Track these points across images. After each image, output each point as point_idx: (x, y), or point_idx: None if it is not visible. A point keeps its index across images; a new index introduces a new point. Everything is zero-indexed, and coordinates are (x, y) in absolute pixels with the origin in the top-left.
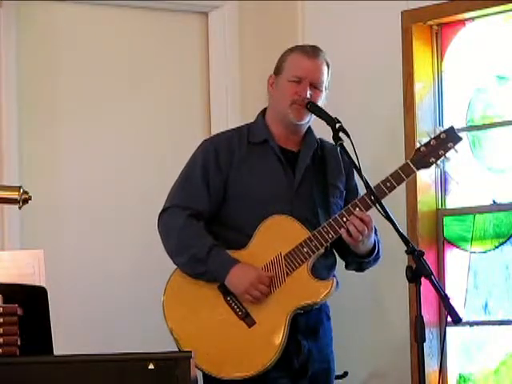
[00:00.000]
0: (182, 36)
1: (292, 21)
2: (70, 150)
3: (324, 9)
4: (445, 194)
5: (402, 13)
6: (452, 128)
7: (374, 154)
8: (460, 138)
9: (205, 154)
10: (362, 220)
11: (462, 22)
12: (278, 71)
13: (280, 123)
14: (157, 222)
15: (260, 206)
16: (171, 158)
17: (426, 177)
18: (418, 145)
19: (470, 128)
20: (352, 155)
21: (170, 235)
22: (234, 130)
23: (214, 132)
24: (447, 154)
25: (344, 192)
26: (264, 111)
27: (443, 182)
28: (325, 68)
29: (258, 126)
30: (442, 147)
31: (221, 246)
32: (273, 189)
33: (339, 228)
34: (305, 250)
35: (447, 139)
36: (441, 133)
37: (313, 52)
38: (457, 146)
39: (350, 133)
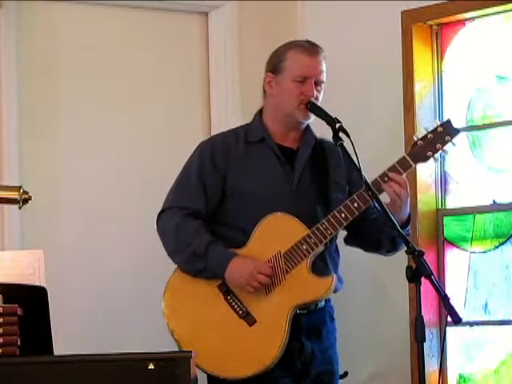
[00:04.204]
0: (182, 36)
1: (292, 21)
2: (69, 149)
3: (324, 9)
4: (445, 193)
5: (402, 13)
6: (449, 121)
7: (374, 154)
8: (458, 131)
9: (201, 155)
10: (398, 183)
11: (462, 21)
12: (276, 70)
13: (280, 122)
14: (155, 224)
15: (259, 204)
16: (171, 157)
17: (426, 177)
18: (414, 139)
19: (470, 128)
20: (352, 155)
21: (168, 235)
22: (230, 130)
23: (214, 132)
24: (445, 148)
25: (347, 187)
26: (261, 111)
27: (443, 181)
28: (324, 64)
29: (255, 125)
30: (440, 141)
31: (219, 242)
32: (271, 186)
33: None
34: (304, 247)
35: (444, 132)
36: (438, 126)
37: (313, 49)
38: (454, 139)
39: (350, 133)
